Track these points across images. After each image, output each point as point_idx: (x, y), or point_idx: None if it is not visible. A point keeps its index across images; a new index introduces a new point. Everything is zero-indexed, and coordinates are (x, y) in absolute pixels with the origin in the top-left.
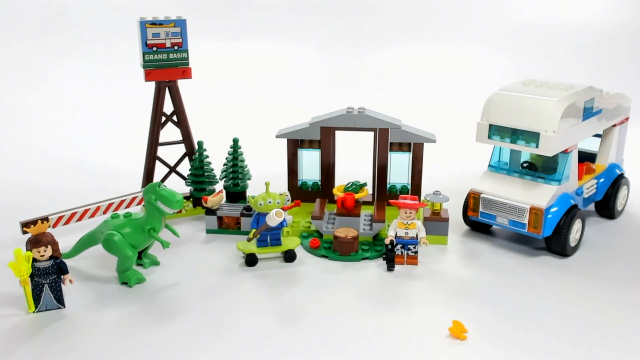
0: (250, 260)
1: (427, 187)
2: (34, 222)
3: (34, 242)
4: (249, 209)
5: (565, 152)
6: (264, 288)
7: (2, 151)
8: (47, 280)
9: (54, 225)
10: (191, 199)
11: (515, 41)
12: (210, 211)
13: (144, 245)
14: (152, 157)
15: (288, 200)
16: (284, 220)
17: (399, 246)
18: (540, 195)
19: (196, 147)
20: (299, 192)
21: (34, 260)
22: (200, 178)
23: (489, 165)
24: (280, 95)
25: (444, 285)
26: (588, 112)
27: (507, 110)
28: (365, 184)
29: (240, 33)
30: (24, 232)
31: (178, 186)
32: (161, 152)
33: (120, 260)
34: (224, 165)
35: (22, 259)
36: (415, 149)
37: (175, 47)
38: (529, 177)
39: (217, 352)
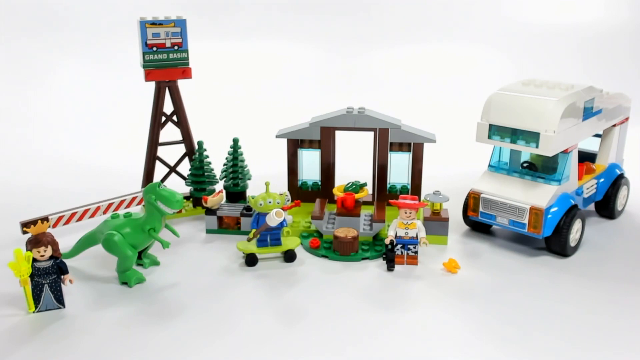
0: (250, 260)
1: (427, 187)
2: (34, 222)
3: (34, 242)
4: (249, 209)
5: (565, 152)
6: (264, 288)
7: (2, 151)
8: (47, 280)
9: (54, 225)
10: (191, 199)
11: (515, 41)
12: (210, 211)
13: (144, 245)
14: (152, 157)
15: (288, 200)
16: (284, 220)
17: (399, 246)
18: (540, 195)
19: (196, 147)
20: (299, 192)
21: (34, 260)
22: (200, 178)
23: (489, 165)
24: (280, 95)
25: (444, 285)
26: (588, 112)
27: (507, 110)
28: (365, 184)
29: (240, 33)
30: (24, 232)
31: (178, 186)
32: (161, 152)
33: (120, 260)
34: (224, 165)
35: (22, 259)
36: (415, 149)
37: (175, 47)
38: (529, 177)
39: (217, 352)
